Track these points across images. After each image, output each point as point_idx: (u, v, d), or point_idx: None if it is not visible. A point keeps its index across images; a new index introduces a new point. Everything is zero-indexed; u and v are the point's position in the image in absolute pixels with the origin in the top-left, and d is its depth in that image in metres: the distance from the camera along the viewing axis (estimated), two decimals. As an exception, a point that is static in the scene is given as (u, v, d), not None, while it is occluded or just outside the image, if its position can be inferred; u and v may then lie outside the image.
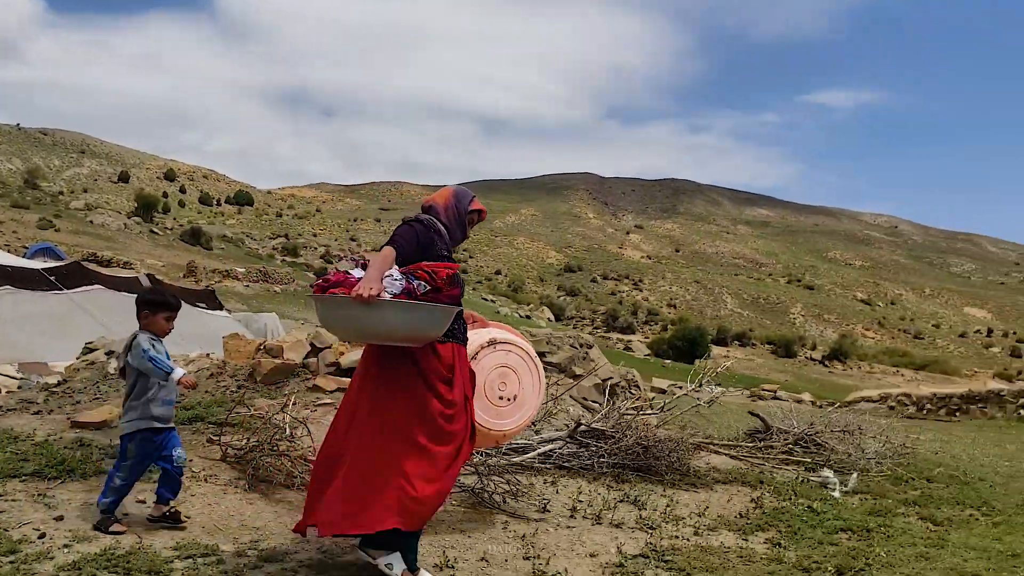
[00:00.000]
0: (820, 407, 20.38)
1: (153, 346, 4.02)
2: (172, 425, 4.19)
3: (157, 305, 4.14)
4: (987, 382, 29.36)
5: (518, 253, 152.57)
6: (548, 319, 77.87)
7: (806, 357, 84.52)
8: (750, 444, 7.20)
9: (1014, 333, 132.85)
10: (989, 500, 6.31)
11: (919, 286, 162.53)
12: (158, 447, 4.06)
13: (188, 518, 4.18)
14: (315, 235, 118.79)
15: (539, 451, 5.55)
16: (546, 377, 7.87)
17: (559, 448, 5.70)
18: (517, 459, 5.37)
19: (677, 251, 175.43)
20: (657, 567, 4.24)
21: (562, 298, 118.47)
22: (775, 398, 18.73)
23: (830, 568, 4.43)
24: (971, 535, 5.40)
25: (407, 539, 3.61)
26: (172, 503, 4.16)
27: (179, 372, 4.01)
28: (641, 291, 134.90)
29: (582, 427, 5.89)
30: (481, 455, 5.09)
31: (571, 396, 7.63)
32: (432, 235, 3.84)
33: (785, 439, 7.09)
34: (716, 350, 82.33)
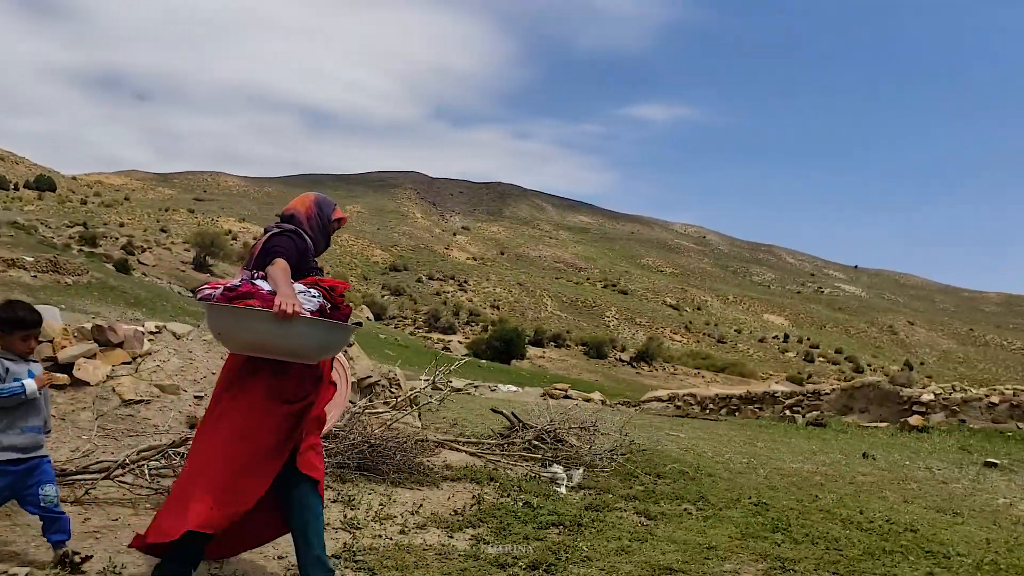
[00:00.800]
0: (610, 406, 21.13)
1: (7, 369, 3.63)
2: (37, 455, 3.75)
3: (10, 324, 3.69)
4: (773, 384, 31.39)
5: (342, 250, 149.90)
6: (368, 318, 76.89)
7: (616, 358, 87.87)
8: (492, 442, 7.30)
9: (808, 339, 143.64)
10: (707, 495, 6.65)
11: (723, 293, 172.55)
12: (16, 482, 3.66)
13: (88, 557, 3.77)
14: (122, 224, 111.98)
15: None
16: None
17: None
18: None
19: (502, 253, 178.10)
20: (346, 567, 4.18)
21: (385, 297, 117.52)
22: (566, 396, 19.27)
23: (526, 563, 4.51)
24: (678, 529, 5.66)
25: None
26: (67, 545, 3.72)
27: (31, 385, 3.65)
28: (466, 292, 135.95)
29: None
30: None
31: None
32: (305, 246, 3.83)
33: (526, 436, 7.24)
34: (533, 350, 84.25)
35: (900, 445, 11.62)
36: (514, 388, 21.03)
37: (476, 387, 19.23)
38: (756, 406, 21.33)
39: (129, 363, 6.45)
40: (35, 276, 39.92)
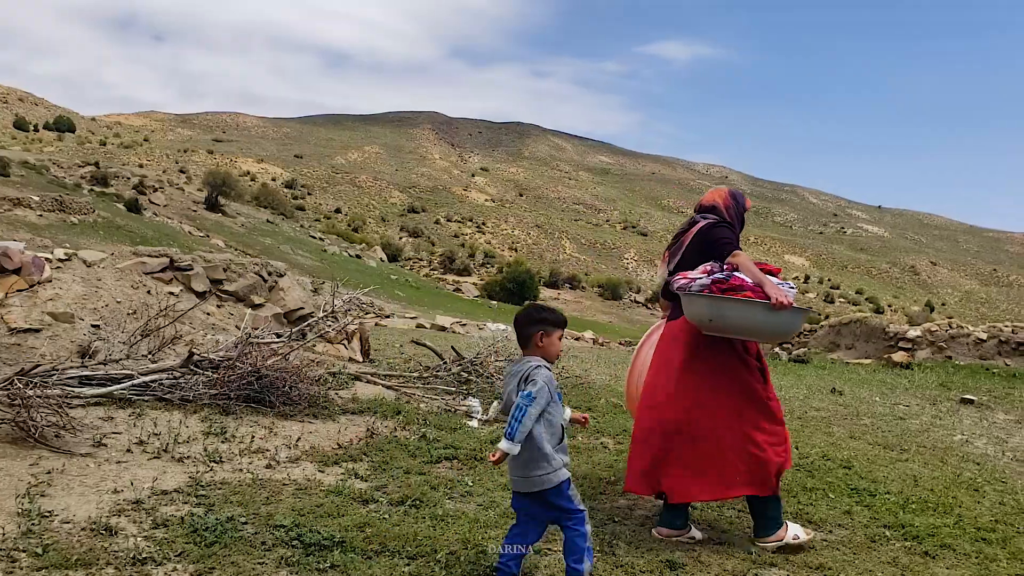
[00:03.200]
0: (602, 344, 20.86)
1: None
2: None
3: (555, 323, 3.38)
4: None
5: (360, 192, 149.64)
6: (380, 259, 76.94)
7: (631, 300, 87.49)
8: (413, 375, 6.97)
9: (828, 280, 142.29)
10: (631, 428, 6.31)
11: (745, 234, 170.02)
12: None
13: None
14: (141, 165, 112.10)
15: (132, 383, 5.08)
16: (220, 306, 7.29)
17: (164, 379, 5.25)
18: (100, 391, 4.89)
19: (521, 195, 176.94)
20: (185, 502, 3.88)
21: (403, 239, 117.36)
22: (556, 336, 18.89)
23: (394, 498, 4.21)
24: (586, 462, 5.35)
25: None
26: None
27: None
28: (484, 234, 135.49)
29: (196, 356, 5.44)
30: (18, 385, 4.56)
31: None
32: (737, 234, 4.25)
33: (452, 370, 6.90)
34: (548, 292, 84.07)
35: (877, 381, 11.21)
36: (503, 327, 20.67)
37: (463, 325, 18.93)
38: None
39: (24, 291, 6.15)
40: (41, 215, 39.92)
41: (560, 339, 3.39)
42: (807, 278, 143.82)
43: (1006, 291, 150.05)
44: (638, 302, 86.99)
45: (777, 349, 16.65)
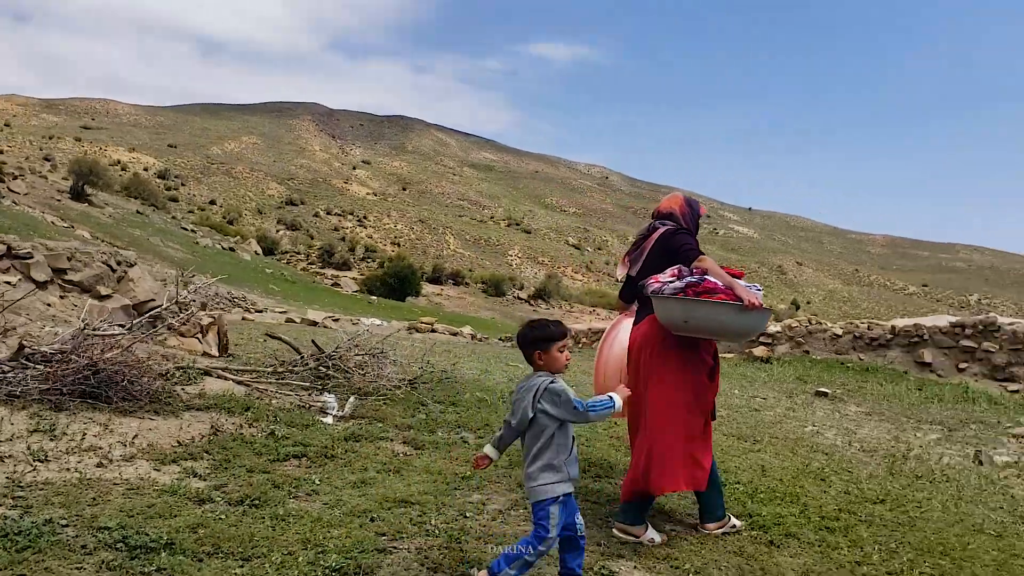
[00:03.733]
0: (480, 340, 20.82)
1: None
2: None
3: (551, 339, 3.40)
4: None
5: (236, 183, 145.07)
6: (255, 252, 74.76)
7: (514, 296, 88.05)
8: (267, 370, 6.73)
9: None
10: (495, 423, 6.27)
11: (624, 233, 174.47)
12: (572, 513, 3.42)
13: None
14: (1, 151, 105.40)
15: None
16: (63, 297, 6.85)
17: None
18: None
19: (404, 189, 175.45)
20: (0, 504, 3.59)
21: (280, 232, 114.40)
22: (432, 331, 18.78)
23: (233, 497, 4.01)
24: (442, 458, 5.26)
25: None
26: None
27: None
28: (366, 228, 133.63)
29: (27, 349, 5.08)
30: None
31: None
32: (696, 240, 4.47)
33: (309, 364, 6.70)
34: (430, 288, 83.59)
35: (738, 375, 11.57)
36: (378, 321, 20.41)
37: (336, 320, 18.56)
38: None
39: None
40: None
41: (563, 350, 3.39)
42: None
43: (867, 290, 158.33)
44: (520, 298, 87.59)
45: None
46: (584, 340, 22.79)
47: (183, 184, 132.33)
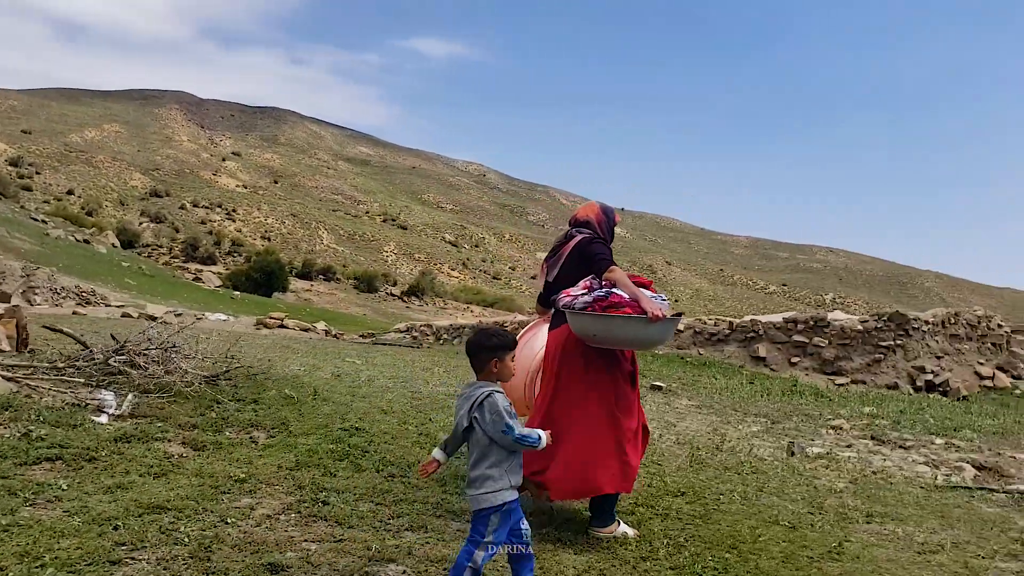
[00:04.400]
0: (335, 336, 20.28)
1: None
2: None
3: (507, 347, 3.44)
4: (517, 316, 31.65)
5: (97, 173, 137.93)
6: (112, 245, 71.16)
7: (387, 293, 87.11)
8: (44, 365, 6.18)
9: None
10: (293, 421, 5.93)
11: (500, 231, 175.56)
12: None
13: None
14: None
15: None
16: None
17: None
18: None
19: (276, 182, 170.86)
20: None
21: (143, 224, 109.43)
22: (281, 326, 18.15)
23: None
24: (220, 460, 4.89)
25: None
26: None
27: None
28: (235, 221, 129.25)
29: None
30: None
31: None
32: (610, 249, 4.61)
33: (94, 359, 6.18)
34: (300, 284, 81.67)
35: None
36: (223, 316, 19.60)
37: (179, 315, 17.66)
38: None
39: None
40: None
41: (512, 360, 3.43)
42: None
43: (731, 289, 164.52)
44: (393, 295, 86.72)
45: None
46: (445, 335, 22.62)
47: (38, 173, 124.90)
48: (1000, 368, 12.61)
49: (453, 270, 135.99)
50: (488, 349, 3.38)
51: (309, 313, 48.92)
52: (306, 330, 18.68)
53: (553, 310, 4.67)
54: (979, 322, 13.23)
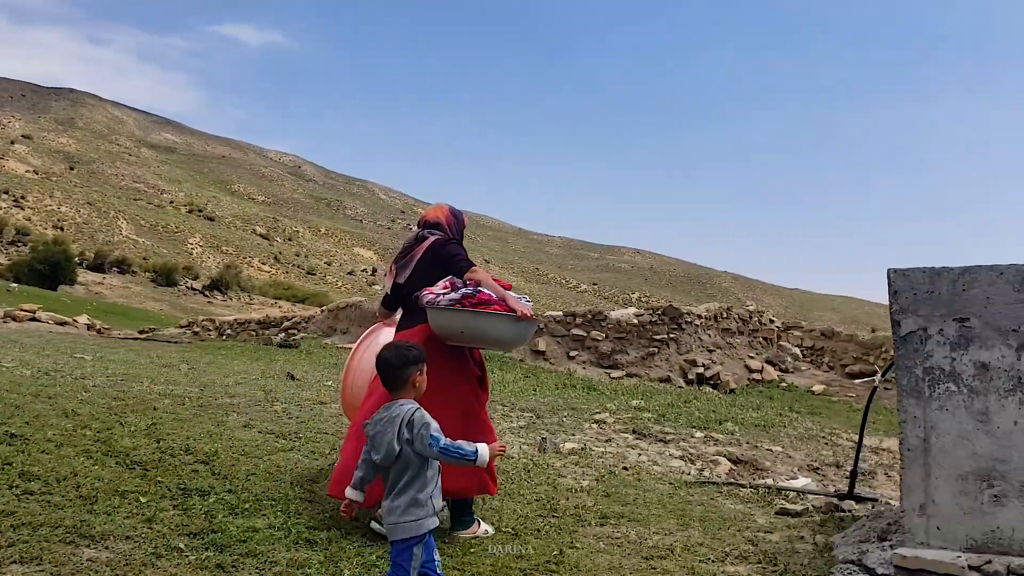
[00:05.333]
0: (99, 332, 18.53)
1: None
2: None
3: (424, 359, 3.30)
4: (307, 311, 30.48)
5: None
6: None
7: (187, 286, 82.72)
8: None
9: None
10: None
11: (316, 225, 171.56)
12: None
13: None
14: None
15: None
16: None
17: None
18: None
19: (71, 168, 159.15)
20: None
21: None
22: (33, 319, 16.34)
23: None
24: None
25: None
26: None
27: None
28: (23, 209, 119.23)
29: None
30: None
31: None
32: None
33: None
34: (91, 276, 76.12)
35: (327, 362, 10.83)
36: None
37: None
38: (272, 330, 20.17)
39: None
40: None
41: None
42: (374, 270, 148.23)
43: (545, 287, 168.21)
44: (195, 289, 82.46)
45: (284, 334, 15.91)
46: (229, 330, 21.26)
47: None
48: (769, 362, 12.94)
49: (264, 264, 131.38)
50: (412, 362, 3.21)
51: (98, 308, 45.37)
52: (63, 324, 16.89)
53: (400, 312, 4.67)
54: (751, 317, 13.56)
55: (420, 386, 3.23)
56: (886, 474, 7.80)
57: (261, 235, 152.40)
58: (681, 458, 7.37)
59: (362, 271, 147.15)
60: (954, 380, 3.86)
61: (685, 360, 11.75)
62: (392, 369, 3.19)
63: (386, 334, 4.75)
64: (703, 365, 11.73)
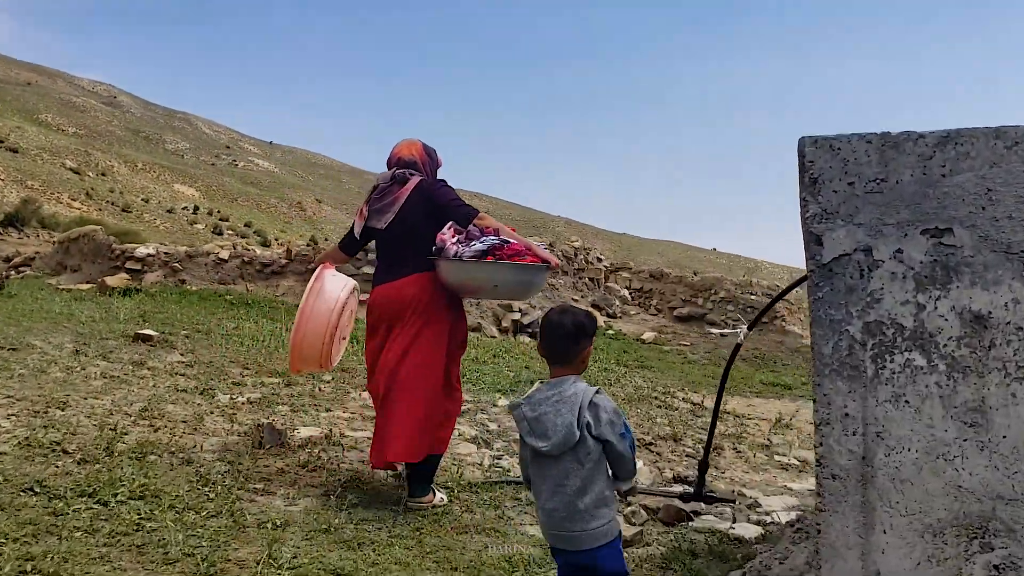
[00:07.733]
0: None
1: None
2: None
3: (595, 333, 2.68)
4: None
5: None
6: None
7: (-23, 224, 74.62)
8: None
9: (218, 212, 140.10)
10: None
11: (133, 159, 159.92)
12: None
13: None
14: None
15: None
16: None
17: None
18: None
19: None
20: None
21: None
22: None
23: None
24: None
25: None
26: None
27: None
28: None
29: None
30: None
31: None
32: None
33: None
34: None
35: (67, 315, 8.20)
36: None
37: None
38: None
39: None
40: None
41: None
42: (196, 209, 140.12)
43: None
44: (-16, 227, 74.48)
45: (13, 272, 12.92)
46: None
47: None
48: (595, 305, 11.29)
49: (75, 200, 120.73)
50: (588, 334, 2.53)
51: None
52: None
53: (389, 260, 4.01)
54: (576, 254, 11.84)
55: (586, 361, 2.56)
56: (734, 448, 6.19)
57: (71, 169, 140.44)
58: (474, 440, 5.45)
59: (183, 209, 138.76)
60: (921, 347, 2.04)
61: (499, 304, 9.86)
62: (567, 340, 2.49)
63: (333, 280, 4.19)
64: (519, 311, 9.87)
